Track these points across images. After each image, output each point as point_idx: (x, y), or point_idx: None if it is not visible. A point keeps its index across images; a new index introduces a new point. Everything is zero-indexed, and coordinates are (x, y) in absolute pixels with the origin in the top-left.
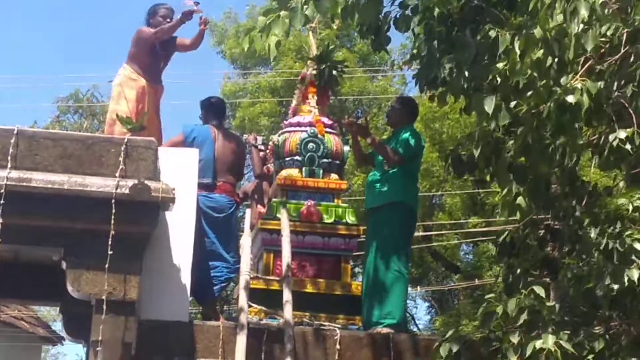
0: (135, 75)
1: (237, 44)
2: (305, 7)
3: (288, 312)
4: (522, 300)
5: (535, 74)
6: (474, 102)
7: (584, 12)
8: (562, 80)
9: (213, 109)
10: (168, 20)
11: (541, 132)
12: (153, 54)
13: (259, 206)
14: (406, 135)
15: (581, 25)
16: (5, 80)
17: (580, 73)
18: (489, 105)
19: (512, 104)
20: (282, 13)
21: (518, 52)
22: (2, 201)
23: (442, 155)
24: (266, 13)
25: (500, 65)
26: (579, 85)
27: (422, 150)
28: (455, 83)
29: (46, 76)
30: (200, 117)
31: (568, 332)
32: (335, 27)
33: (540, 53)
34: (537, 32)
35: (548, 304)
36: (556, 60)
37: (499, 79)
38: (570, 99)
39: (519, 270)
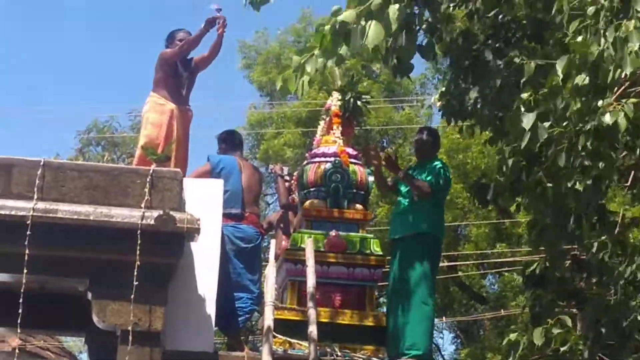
0: (163, 100)
1: (264, 72)
2: (339, 47)
3: (313, 342)
4: (549, 330)
5: (574, 97)
6: (509, 120)
7: (636, 44)
8: (599, 103)
9: (234, 141)
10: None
11: (572, 155)
12: (177, 76)
13: (284, 236)
14: (436, 166)
15: (625, 53)
16: (27, 111)
17: (616, 95)
18: (527, 121)
19: (547, 124)
20: (317, 52)
21: (561, 75)
22: (28, 232)
23: (466, 186)
24: (301, 52)
25: (525, 95)
26: (616, 108)
27: (450, 182)
28: (481, 113)
29: (66, 107)
30: (218, 151)
31: None
32: (377, 70)
33: (582, 78)
34: (580, 54)
35: (575, 334)
36: (597, 85)
37: (523, 109)
38: (607, 119)
39: (545, 301)
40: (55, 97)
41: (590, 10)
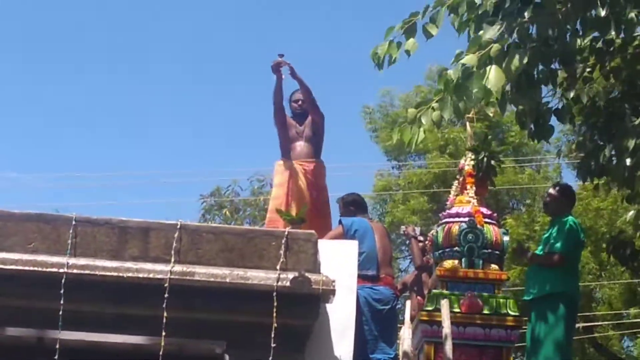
0: (282, 160)
1: (389, 136)
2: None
3: None
4: None
5: None
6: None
7: None
8: None
9: (362, 204)
10: (300, 102)
11: None
12: (290, 133)
13: (418, 297)
14: (564, 227)
15: None
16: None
17: None
18: None
19: None
20: (434, 104)
21: None
22: (166, 295)
23: (594, 249)
24: (418, 106)
25: None
26: None
27: (582, 240)
28: (616, 171)
29: (186, 170)
30: (346, 213)
31: None
32: (491, 115)
33: None
34: None
35: None
36: None
37: None
38: None
39: None
40: (178, 160)
41: None
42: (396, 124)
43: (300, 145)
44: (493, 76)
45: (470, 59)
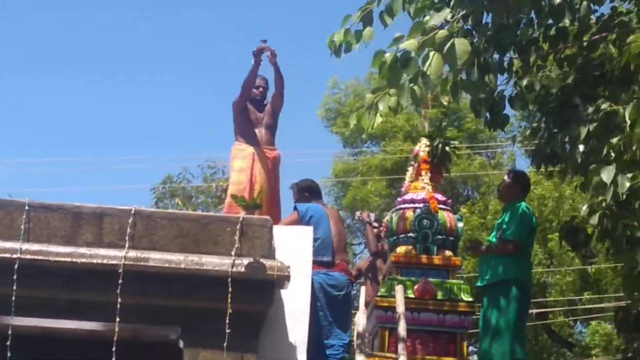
0: (243, 145)
1: (345, 124)
2: (412, 84)
3: None
4: None
5: None
6: (591, 173)
7: None
8: None
9: (316, 190)
10: (261, 89)
11: None
12: (251, 118)
13: (373, 283)
14: (516, 214)
15: None
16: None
17: None
18: (607, 175)
19: (629, 175)
20: (391, 91)
21: (628, 122)
22: (120, 281)
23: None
24: (375, 91)
25: (614, 140)
26: None
27: (534, 228)
28: (570, 158)
29: (137, 157)
30: (300, 199)
31: None
32: (445, 103)
33: None
34: None
35: None
36: None
37: (613, 154)
38: None
39: (638, 345)
40: (126, 150)
41: None
42: (351, 112)
43: (260, 132)
44: (434, 63)
45: (410, 44)
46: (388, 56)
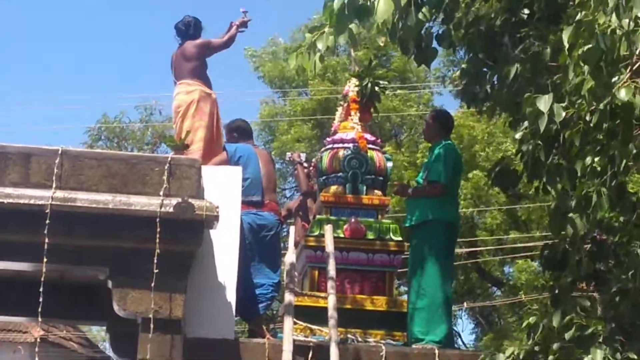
0: (209, 90)
1: (274, 66)
2: (349, 23)
3: (333, 328)
4: (567, 313)
5: (587, 76)
6: (526, 102)
7: (637, 12)
8: (613, 80)
9: (247, 130)
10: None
11: (590, 137)
12: (206, 64)
13: (303, 223)
14: (441, 154)
15: (632, 25)
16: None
17: (629, 72)
18: (544, 104)
19: (563, 104)
20: (327, 30)
21: (567, 45)
22: (47, 221)
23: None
24: (312, 30)
25: (541, 80)
26: (630, 85)
27: (460, 167)
28: (499, 98)
29: (73, 97)
30: (230, 140)
31: (617, 345)
32: (382, 44)
33: (589, 46)
34: (585, 22)
35: (595, 317)
36: (606, 57)
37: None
38: (622, 95)
39: (564, 283)
40: (62, 92)
41: None
42: (279, 55)
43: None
44: (381, 6)
45: None
46: (335, 3)
